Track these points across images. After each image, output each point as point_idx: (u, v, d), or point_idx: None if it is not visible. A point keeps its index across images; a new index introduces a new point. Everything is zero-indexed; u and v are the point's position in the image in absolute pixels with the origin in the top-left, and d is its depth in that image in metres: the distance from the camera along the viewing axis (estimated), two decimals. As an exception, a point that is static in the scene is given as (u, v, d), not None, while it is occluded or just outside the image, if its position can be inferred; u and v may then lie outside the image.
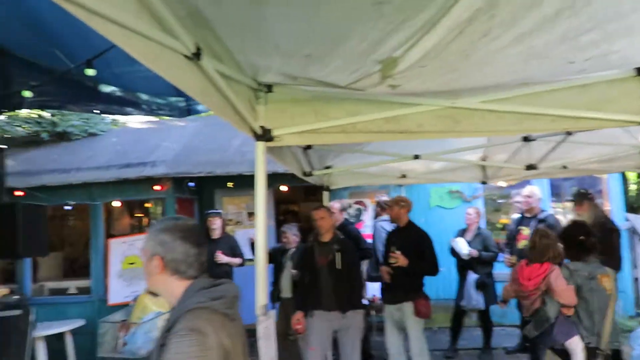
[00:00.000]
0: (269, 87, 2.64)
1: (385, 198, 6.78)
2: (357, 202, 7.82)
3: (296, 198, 10.26)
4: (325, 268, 4.56)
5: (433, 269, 4.74)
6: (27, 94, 5.32)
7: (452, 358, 6.33)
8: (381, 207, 6.62)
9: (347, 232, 5.37)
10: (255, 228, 2.69)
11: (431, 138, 2.77)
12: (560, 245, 3.72)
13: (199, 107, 6.95)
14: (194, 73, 1.89)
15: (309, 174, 4.66)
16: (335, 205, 5.57)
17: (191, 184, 7.60)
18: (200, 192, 7.95)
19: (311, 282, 4.61)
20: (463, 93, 2.63)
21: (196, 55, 1.79)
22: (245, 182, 7.55)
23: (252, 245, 4.82)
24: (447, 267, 6.25)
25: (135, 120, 10.02)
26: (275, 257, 5.72)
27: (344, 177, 5.58)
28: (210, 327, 1.51)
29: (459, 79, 2.46)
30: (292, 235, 5.61)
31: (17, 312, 5.17)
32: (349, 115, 2.62)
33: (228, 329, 1.57)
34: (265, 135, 2.65)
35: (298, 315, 4.52)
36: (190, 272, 1.66)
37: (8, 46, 5.66)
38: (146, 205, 9.37)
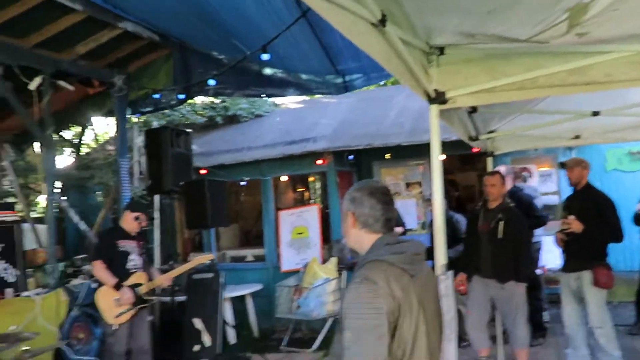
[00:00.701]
0: (441, 50, 2.65)
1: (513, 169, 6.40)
2: (521, 169, 7.44)
3: (453, 167, 10.07)
4: (486, 235, 4.52)
5: (616, 235, 4.37)
6: (212, 82, 5.93)
7: (638, 335, 5.80)
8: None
9: (518, 199, 5.18)
10: (432, 192, 2.77)
11: (621, 88, 2.54)
12: None
13: (356, 83, 7.15)
14: (378, 39, 1.98)
15: (475, 138, 4.56)
16: (502, 169, 5.38)
17: (350, 156, 7.87)
18: (358, 165, 8.19)
19: (473, 247, 4.63)
20: (660, 35, 2.37)
21: (381, 22, 1.88)
22: (402, 153, 7.65)
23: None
24: (629, 236, 5.70)
25: (293, 101, 10.58)
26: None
27: (509, 141, 5.34)
28: (382, 278, 1.60)
29: (656, 19, 2.23)
30: None
31: (210, 275, 5.90)
32: (528, 70, 2.52)
33: (403, 283, 1.63)
34: (438, 98, 2.67)
35: (461, 276, 4.57)
36: (377, 227, 1.77)
37: (188, 41, 6.37)
38: (311, 179, 9.94)
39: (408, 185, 8.08)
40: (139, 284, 4.64)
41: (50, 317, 5.33)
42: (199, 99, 9.61)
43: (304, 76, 6.91)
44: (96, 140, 11.98)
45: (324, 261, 7.09)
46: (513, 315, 4.46)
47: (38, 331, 4.21)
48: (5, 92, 5.41)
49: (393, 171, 8.13)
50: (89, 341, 6.17)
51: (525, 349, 4.57)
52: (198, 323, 5.62)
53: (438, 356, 1.77)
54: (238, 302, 7.14)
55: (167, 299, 6.04)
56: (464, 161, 10.11)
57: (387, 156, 7.87)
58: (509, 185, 5.45)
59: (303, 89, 7.30)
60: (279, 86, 7.04)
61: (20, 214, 6.87)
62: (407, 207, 7.68)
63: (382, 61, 2.03)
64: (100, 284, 4.64)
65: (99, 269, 4.58)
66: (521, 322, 4.48)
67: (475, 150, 5.81)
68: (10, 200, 7.88)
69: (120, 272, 4.59)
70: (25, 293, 5.39)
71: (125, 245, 4.70)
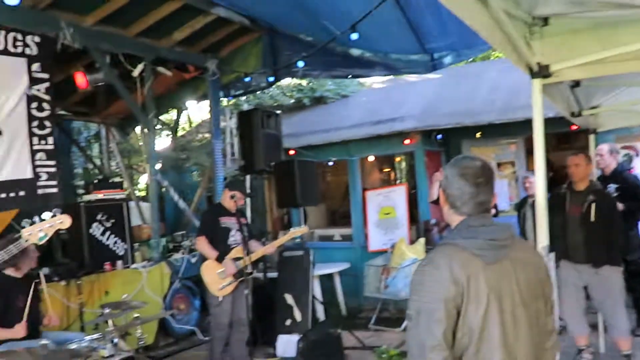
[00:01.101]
0: (544, 20, 2.52)
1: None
2: (625, 147, 6.92)
3: (548, 146, 9.51)
4: (577, 219, 4.27)
5: None
6: (300, 64, 6.03)
7: None
8: None
9: (624, 179, 4.85)
10: (535, 170, 2.67)
11: None
12: None
13: (445, 61, 6.95)
14: (482, 12, 1.93)
15: (578, 114, 4.31)
16: (605, 148, 5.05)
17: (439, 136, 7.70)
18: (447, 144, 7.98)
19: (559, 231, 4.32)
20: None
21: (485, -7, 1.83)
22: (493, 132, 7.36)
23: None
24: None
25: (379, 80, 10.47)
26: (519, 207, 5.94)
27: (614, 116, 4.98)
28: (446, 262, 1.56)
29: None
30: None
31: (300, 252, 6.07)
32: (644, 38, 2.34)
33: (471, 269, 1.56)
34: (541, 71, 2.55)
35: None
36: (464, 209, 1.70)
37: (277, 24, 6.50)
38: (397, 159, 9.84)
39: (499, 165, 7.78)
40: (239, 258, 4.88)
41: (156, 288, 5.76)
42: (286, 81, 9.77)
43: (391, 56, 6.83)
44: (190, 123, 12.59)
45: (412, 242, 7.05)
46: (611, 302, 4.22)
47: (146, 300, 4.58)
48: (112, 79, 5.82)
49: (484, 150, 7.84)
50: (189, 312, 6.61)
51: (628, 337, 4.29)
52: (289, 299, 5.81)
53: (522, 352, 1.60)
54: (326, 280, 7.28)
55: (260, 275, 6.31)
56: (561, 140, 9.54)
57: (478, 135, 7.60)
58: (613, 164, 5.10)
59: (390, 69, 7.21)
60: (365, 67, 7.01)
61: (127, 193, 7.41)
62: (498, 188, 7.39)
63: (484, 34, 1.98)
64: (204, 259, 4.93)
65: (202, 243, 4.87)
66: (619, 308, 4.22)
67: (573, 127, 5.48)
68: (117, 180, 8.51)
69: (222, 247, 4.84)
70: (133, 265, 5.86)
71: (226, 222, 4.94)
